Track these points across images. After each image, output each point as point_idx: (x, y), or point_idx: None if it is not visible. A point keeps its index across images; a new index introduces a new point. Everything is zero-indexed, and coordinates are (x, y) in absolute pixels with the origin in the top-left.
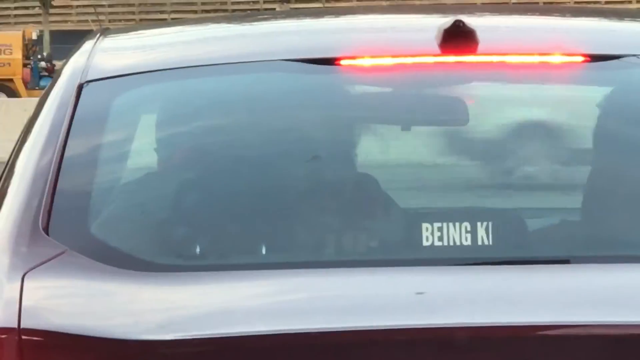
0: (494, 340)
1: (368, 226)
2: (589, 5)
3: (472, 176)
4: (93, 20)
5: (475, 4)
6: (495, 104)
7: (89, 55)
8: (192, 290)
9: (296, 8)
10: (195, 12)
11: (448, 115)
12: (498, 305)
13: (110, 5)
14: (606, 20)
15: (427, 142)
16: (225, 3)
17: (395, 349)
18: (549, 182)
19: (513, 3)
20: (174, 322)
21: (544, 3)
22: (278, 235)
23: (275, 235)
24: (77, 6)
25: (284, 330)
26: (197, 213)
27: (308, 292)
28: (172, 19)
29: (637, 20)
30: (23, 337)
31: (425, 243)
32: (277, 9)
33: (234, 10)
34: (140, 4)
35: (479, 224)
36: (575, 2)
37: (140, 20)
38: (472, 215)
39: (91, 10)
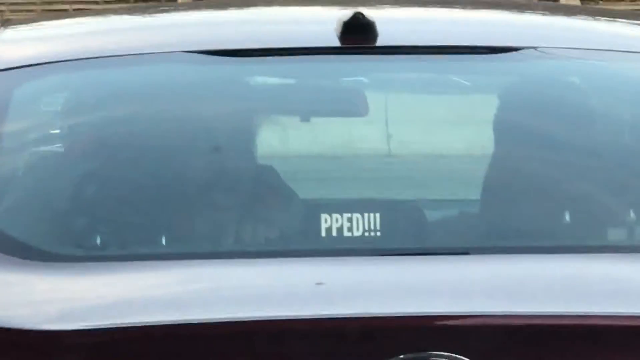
0: (391, 330)
1: (267, 217)
2: None
3: (372, 167)
4: None
5: None
6: (395, 94)
7: None
8: (92, 281)
9: None
10: (97, 2)
11: (347, 106)
12: (396, 296)
13: None
14: (508, 12)
15: (326, 133)
16: None
17: (292, 339)
18: (449, 173)
19: None
20: (74, 312)
21: None
22: (178, 226)
23: (175, 226)
24: None
25: (183, 320)
26: (97, 203)
27: (207, 282)
28: (74, 9)
29: (541, 13)
30: None
31: (323, 234)
32: (180, 0)
33: (136, 0)
34: None
35: (377, 215)
36: None
37: (42, 10)
38: (370, 207)
39: None
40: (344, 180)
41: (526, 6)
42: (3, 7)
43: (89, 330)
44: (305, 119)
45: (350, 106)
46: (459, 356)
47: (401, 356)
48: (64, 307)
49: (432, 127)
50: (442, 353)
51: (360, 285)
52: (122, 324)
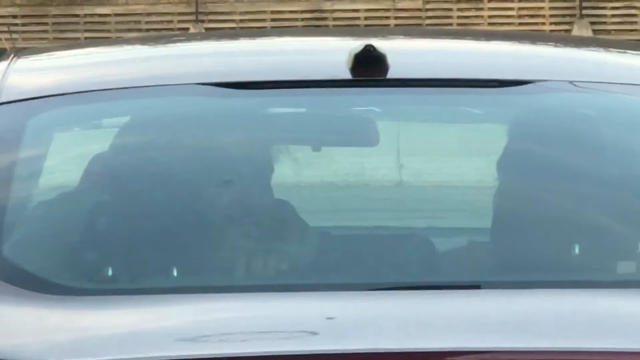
0: None
1: (279, 250)
2: (500, 29)
3: (383, 197)
4: (6, 39)
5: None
6: (405, 125)
7: (2, 77)
8: (103, 314)
9: (210, 28)
10: (109, 30)
11: (358, 136)
12: (407, 331)
13: (23, 24)
14: (518, 44)
15: (337, 162)
16: (139, 22)
17: None
18: (459, 204)
19: (426, 25)
20: (83, 346)
21: (458, 25)
22: (190, 259)
23: (187, 259)
24: None
25: (194, 355)
26: (108, 236)
27: (218, 315)
28: (86, 38)
29: (546, 44)
30: None
31: (335, 266)
32: (191, 30)
33: (147, 30)
34: (54, 23)
35: (389, 246)
36: (489, 24)
37: (54, 39)
38: (381, 238)
39: (5, 28)
40: (354, 210)
41: (537, 38)
42: (15, 35)
43: None
44: (317, 148)
45: (361, 136)
46: None
47: None
48: (75, 340)
49: (441, 157)
50: None
51: (370, 319)
52: (130, 358)
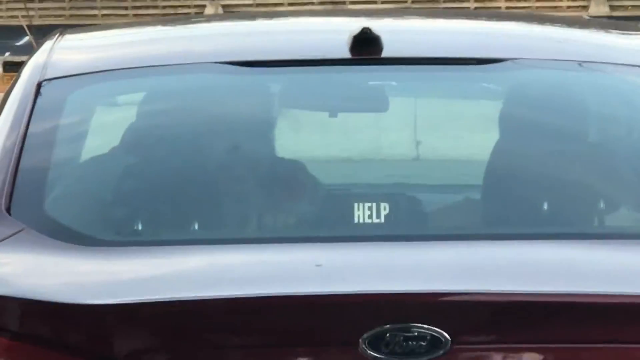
0: (376, 305)
1: (286, 206)
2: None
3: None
4: (23, 16)
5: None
6: (396, 98)
7: (47, 56)
8: (127, 262)
9: (227, 5)
10: (125, 7)
11: (370, 103)
12: (387, 276)
13: (40, 1)
14: (503, 23)
15: (336, 125)
16: (156, 0)
17: (292, 314)
18: (439, 163)
19: (444, 8)
20: (110, 289)
21: (475, 8)
22: (204, 215)
23: (202, 215)
24: (7, 1)
25: (201, 296)
26: (134, 195)
27: (226, 262)
28: (103, 15)
29: (523, 24)
30: None
31: (327, 221)
32: (208, 7)
33: (164, 7)
34: (70, 0)
35: (381, 204)
36: (507, 7)
37: (70, 16)
38: (382, 195)
39: (21, 5)
40: (361, 169)
41: (516, 17)
42: (32, 13)
43: (124, 304)
44: (333, 114)
45: (361, 104)
46: (435, 328)
47: (387, 326)
48: (103, 283)
49: (425, 124)
50: (422, 325)
51: (355, 267)
52: (151, 299)
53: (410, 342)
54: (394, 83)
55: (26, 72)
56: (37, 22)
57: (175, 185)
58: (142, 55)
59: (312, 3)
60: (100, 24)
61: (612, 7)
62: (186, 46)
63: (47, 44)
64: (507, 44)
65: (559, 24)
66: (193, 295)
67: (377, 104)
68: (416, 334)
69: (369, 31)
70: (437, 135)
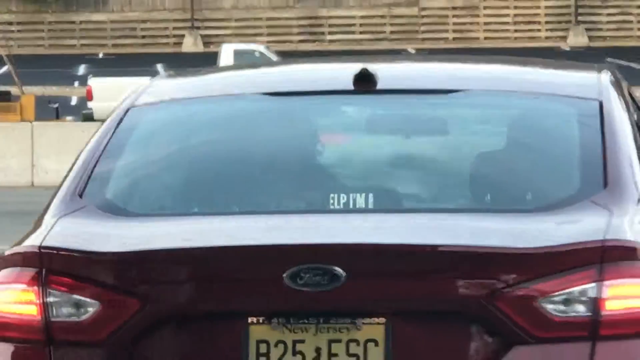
0: (291, 251)
1: (281, 185)
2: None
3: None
4: (1, 46)
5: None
6: (388, 116)
7: (138, 91)
8: (150, 227)
9: (206, 35)
10: (104, 37)
11: (356, 126)
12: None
13: (19, 31)
14: (457, 64)
15: (345, 142)
16: (135, 29)
17: (225, 261)
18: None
19: (422, 31)
20: (135, 242)
21: (454, 31)
22: (207, 197)
23: (205, 196)
24: None
25: (196, 245)
26: (160, 183)
27: (223, 226)
28: (82, 44)
29: (478, 63)
30: (42, 251)
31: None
32: (187, 37)
33: (143, 37)
34: (49, 30)
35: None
36: (485, 30)
37: (50, 45)
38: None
39: (0, 35)
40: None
41: (473, 59)
42: (11, 42)
43: (142, 251)
44: (372, 132)
45: (358, 127)
46: (335, 267)
47: (302, 266)
48: (129, 240)
49: (412, 136)
50: (326, 265)
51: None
52: (165, 247)
53: (317, 277)
54: (384, 110)
55: (121, 102)
56: (16, 51)
57: (191, 179)
58: (210, 91)
59: (291, 34)
60: (194, 71)
61: (590, 38)
62: (236, 82)
63: (140, 86)
64: (461, 79)
65: (509, 63)
66: (200, 244)
67: (373, 125)
68: (321, 271)
69: (366, 71)
70: (403, 139)
